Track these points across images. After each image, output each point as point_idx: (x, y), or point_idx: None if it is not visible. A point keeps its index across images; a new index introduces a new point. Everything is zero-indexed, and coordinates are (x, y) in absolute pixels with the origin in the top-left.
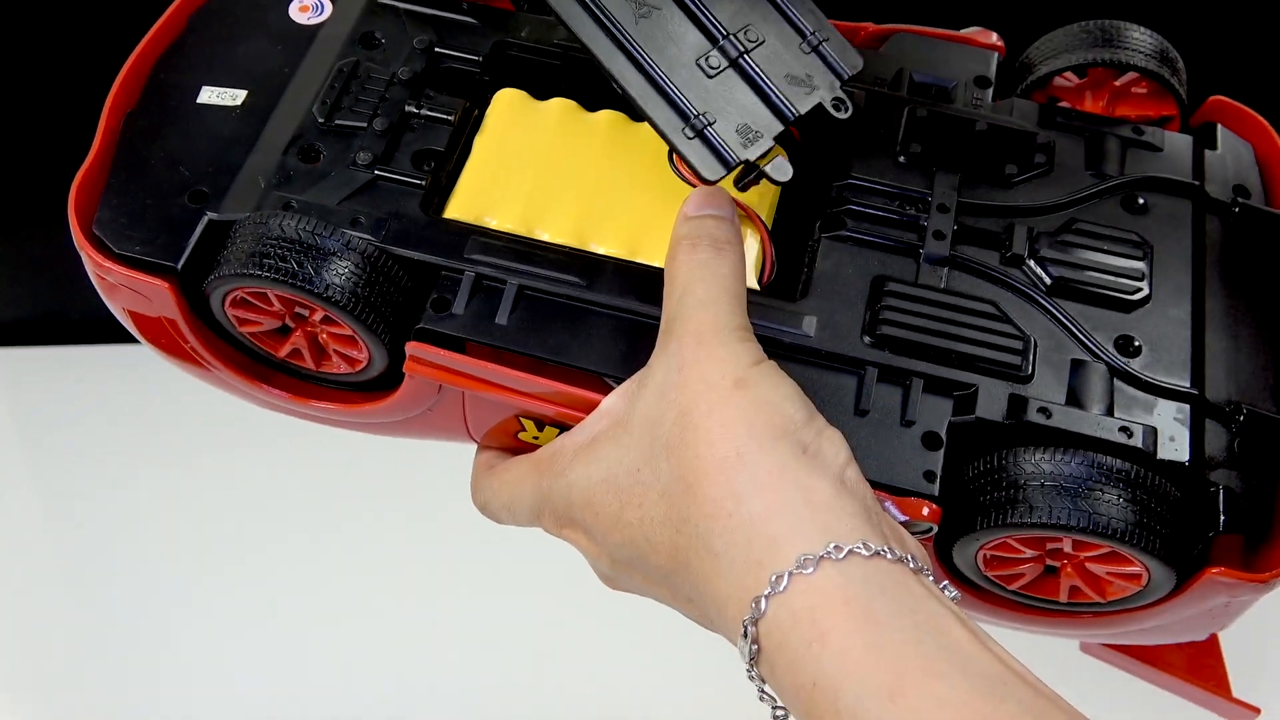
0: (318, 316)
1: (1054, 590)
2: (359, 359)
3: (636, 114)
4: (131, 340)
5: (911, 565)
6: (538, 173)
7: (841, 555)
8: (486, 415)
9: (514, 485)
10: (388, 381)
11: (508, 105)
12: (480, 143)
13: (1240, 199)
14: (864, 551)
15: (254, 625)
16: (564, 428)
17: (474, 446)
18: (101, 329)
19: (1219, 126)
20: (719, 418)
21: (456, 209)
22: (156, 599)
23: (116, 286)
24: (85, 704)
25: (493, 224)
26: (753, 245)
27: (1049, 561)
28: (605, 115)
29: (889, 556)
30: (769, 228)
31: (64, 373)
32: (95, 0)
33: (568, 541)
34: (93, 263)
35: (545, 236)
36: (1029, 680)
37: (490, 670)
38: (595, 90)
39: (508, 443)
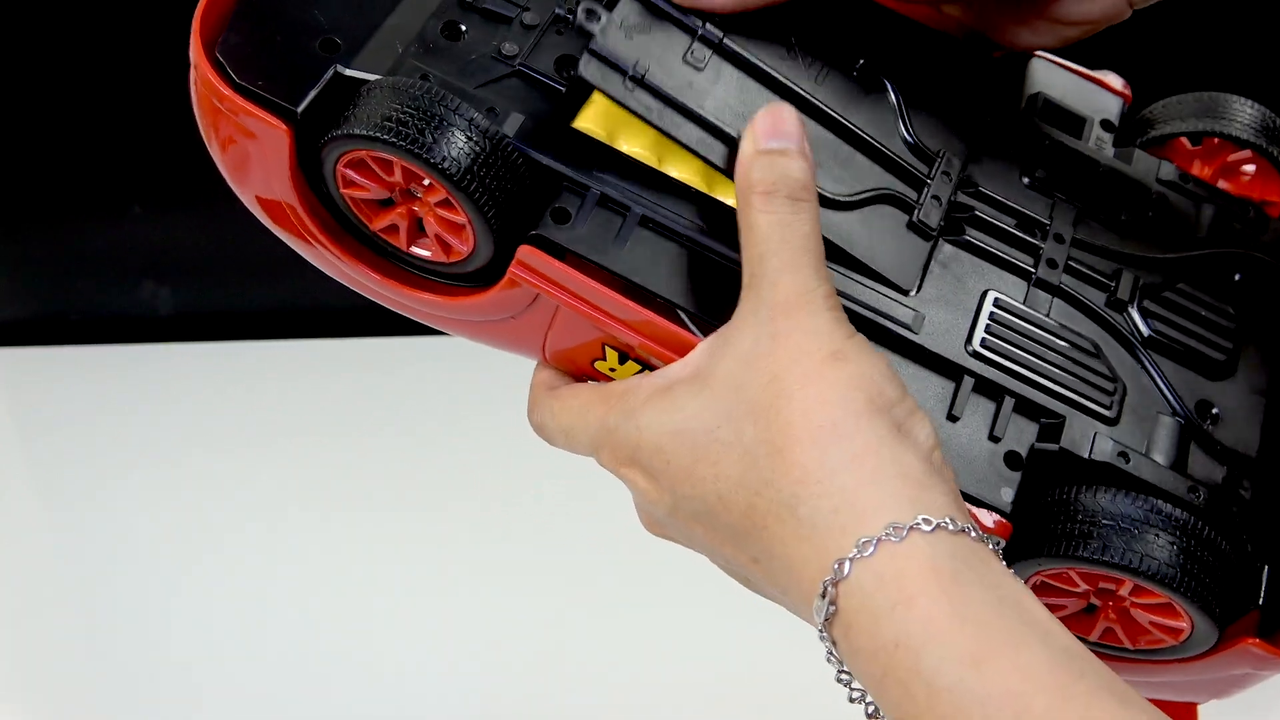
0: (435, 198)
1: (1088, 629)
2: (460, 250)
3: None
4: (131, 340)
5: (991, 546)
6: None
7: (930, 528)
8: (573, 334)
9: (578, 412)
10: (476, 279)
11: None
12: None
13: None
14: (950, 527)
15: (254, 625)
16: (645, 365)
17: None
18: (101, 329)
19: None
20: (815, 389)
21: (588, 119)
22: (157, 598)
23: (223, 116)
24: (85, 704)
25: (623, 146)
26: None
27: (1092, 600)
28: None
29: (972, 535)
30: None
31: (64, 373)
32: None
33: (623, 479)
34: (210, 90)
35: (673, 173)
36: (1099, 659)
37: (491, 670)
38: None
39: (579, 368)
